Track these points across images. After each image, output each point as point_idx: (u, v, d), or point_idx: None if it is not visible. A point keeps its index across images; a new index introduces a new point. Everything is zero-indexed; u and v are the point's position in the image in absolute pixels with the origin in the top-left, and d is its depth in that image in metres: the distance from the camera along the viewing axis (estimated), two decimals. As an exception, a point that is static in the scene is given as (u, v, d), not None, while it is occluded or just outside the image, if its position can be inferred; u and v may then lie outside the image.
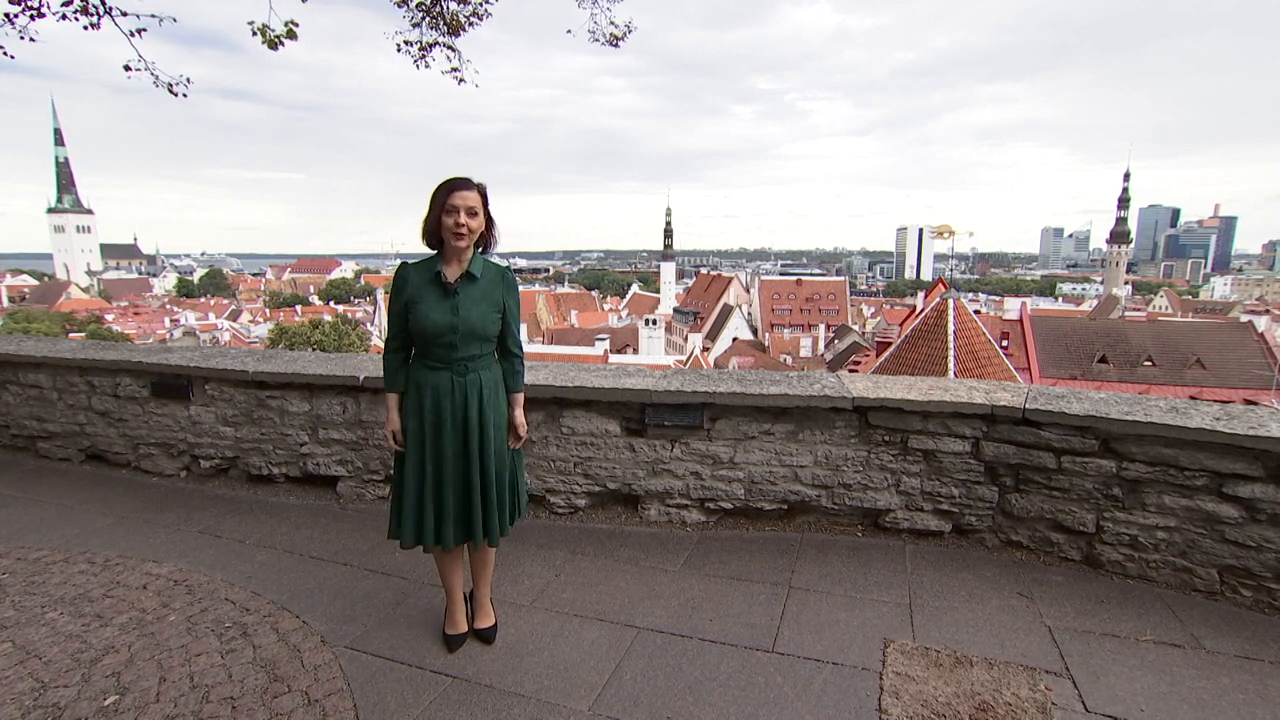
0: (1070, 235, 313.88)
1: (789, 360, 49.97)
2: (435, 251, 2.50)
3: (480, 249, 2.53)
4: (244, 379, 4.29)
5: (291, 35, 4.93)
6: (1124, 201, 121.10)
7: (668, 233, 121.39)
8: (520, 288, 2.67)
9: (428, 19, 5.61)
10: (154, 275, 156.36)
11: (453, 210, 2.37)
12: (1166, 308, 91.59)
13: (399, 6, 5.57)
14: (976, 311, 26.48)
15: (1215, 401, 3.35)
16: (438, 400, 2.49)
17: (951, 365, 19.88)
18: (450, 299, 2.43)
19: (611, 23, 5.84)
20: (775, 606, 2.96)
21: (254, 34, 4.84)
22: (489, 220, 2.49)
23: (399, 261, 2.64)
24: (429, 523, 2.52)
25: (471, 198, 2.39)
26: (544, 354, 45.64)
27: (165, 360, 4.53)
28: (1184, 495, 2.96)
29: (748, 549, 3.50)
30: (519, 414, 2.64)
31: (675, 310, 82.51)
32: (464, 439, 2.51)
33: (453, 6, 5.61)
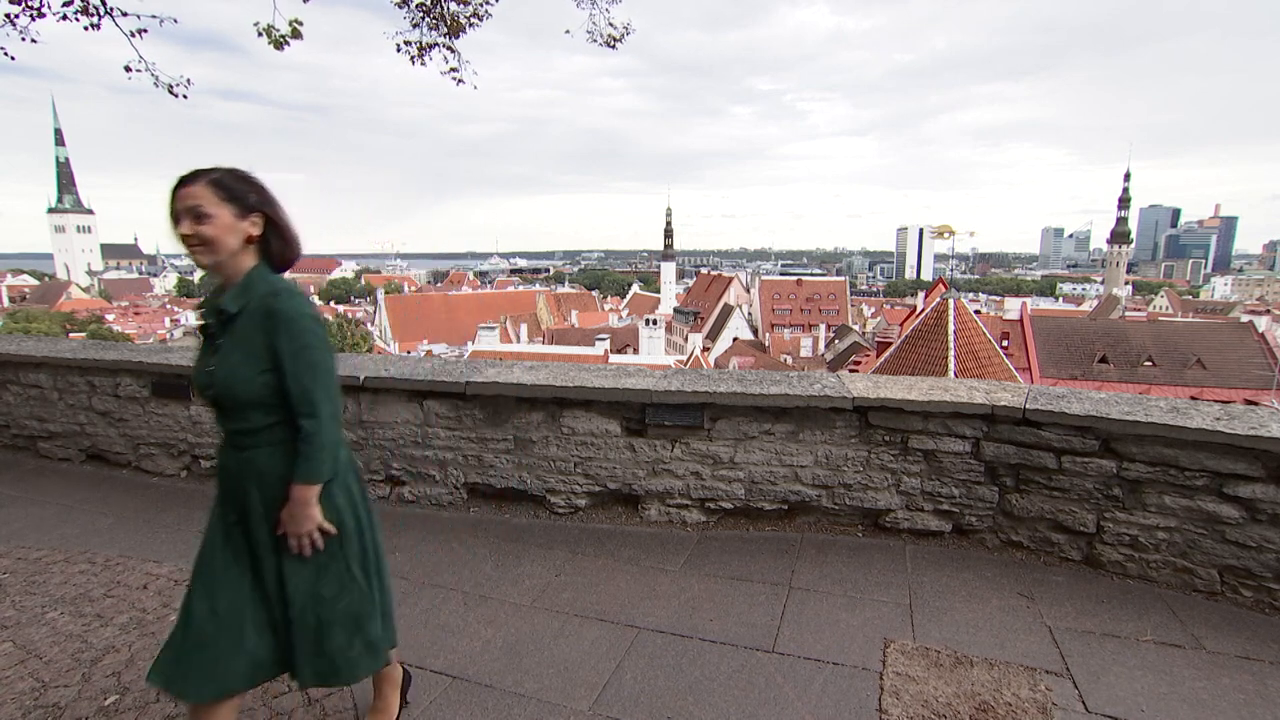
0: (1070, 235, 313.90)
1: (789, 360, 49.95)
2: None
3: (279, 268, 1.81)
4: (244, 379, 4.29)
5: (296, 35, 4.93)
6: (1124, 201, 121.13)
7: (668, 233, 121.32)
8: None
9: (427, 19, 5.62)
10: (154, 275, 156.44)
11: (177, 217, 1.68)
12: (1167, 308, 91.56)
13: (399, 7, 5.58)
14: (977, 311, 26.48)
15: (1216, 402, 3.34)
16: (231, 487, 1.82)
17: (952, 365, 19.88)
18: (211, 343, 1.79)
19: (610, 23, 5.86)
20: (775, 606, 2.96)
21: (259, 35, 4.84)
22: (273, 224, 1.76)
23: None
24: (223, 659, 1.74)
25: (195, 194, 1.66)
26: (544, 354, 45.64)
27: (166, 360, 4.53)
28: (1184, 495, 2.96)
29: (748, 549, 3.50)
30: (299, 509, 1.74)
31: (675, 310, 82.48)
32: (249, 542, 1.81)
33: (453, 7, 5.62)
